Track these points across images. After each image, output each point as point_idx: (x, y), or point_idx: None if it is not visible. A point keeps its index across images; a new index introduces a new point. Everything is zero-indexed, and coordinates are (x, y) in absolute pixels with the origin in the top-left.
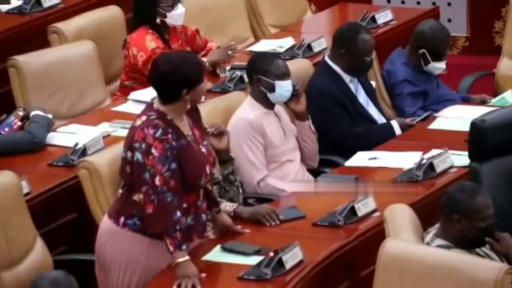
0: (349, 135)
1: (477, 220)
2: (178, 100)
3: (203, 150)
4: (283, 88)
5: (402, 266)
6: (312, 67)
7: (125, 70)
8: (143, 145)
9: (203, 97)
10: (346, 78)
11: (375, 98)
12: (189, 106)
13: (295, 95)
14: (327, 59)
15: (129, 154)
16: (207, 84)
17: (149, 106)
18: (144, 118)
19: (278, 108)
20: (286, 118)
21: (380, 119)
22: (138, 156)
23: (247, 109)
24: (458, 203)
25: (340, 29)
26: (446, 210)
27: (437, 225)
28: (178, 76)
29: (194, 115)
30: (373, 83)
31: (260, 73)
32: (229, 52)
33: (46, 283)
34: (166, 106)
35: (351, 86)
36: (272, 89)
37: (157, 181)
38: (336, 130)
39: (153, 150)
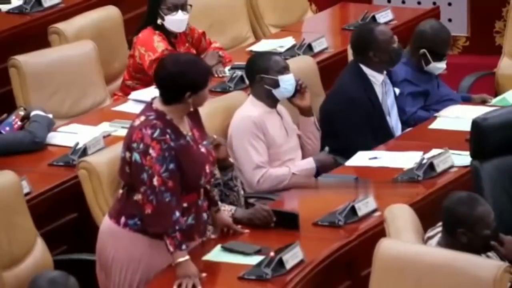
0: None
1: (482, 229)
2: (180, 102)
3: (203, 149)
4: (287, 82)
5: (399, 266)
6: (315, 65)
7: (129, 70)
8: (141, 146)
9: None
10: (378, 80)
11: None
12: (191, 109)
13: (298, 90)
14: (358, 63)
15: (127, 154)
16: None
17: (148, 106)
18: (142, 118)
19: (280, 107)
20: (288, 117)
21: (397, 126)
22: (136, 156)
23: (250, 107)
24: (459, 218)
25: (354, 38)
26: (449, 227)
27: (438, 228)
28: (185, 78)
29: (193, 115)
30: (396, 90)
31: (261, 72)
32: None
33: (44, 283)
34: (167, 107)
35: (381, 91)
36: (276, 85)
37: (155, 181)
38: (355, 142)
39: (150, 151)
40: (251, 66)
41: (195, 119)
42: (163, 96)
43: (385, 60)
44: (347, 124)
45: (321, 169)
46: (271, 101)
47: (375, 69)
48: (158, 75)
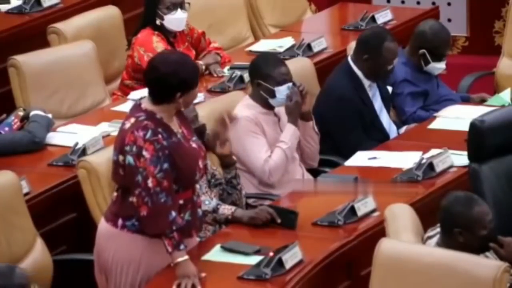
0: (358, 146)
1: (478, 230)
2: (171, 102)
3: (194, 145)
4: (283, 92)
5: (399, 266)
6: (312, 66)
7: (128, 70)
8: (134, 148)
9: (196, 99)
10: (366, 83)
11: (389, 104)
12: (183, 109)
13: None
14: (349, 60)
15: (120, 157)
16: (208, 84)
17: (137, 106)
18: (133, 120)
19: (279, 109)
20: (286, 119)
21: (390, 127)
22: (130, 159)
23: (243, 109)
24: (456, 217)
25: (365, 34)
26: (445, 226)
27: (438, 228)
28: (176, 78)
29: (178, 113)
30: (389, 88)
31: (261, 78)
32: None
33: None
34: (156, 106)
35: (370, 92)
36: (272, 94)
37: (150, 183)
38: (346, 139)
39: (144, 152)
40: (253, 68)
41: (181, 116)
42: (153, 96)
43: (373, 72)
44: (338, 122)
45: (292, 115)
46: (268, 105)
47: (362, 72)
48: (148, 76)
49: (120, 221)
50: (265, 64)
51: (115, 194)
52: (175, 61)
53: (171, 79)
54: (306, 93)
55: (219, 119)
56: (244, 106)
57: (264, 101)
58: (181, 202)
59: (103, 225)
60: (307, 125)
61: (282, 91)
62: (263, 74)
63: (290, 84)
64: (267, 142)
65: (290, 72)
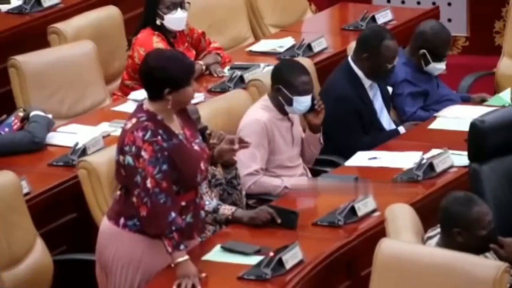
0: (357, 146)
1: (477, 230)
2: (161, 99)
3: (196, 147)
4: (301, 103)
5: (399, 266)
6: (313, 66)
7: (128, 70)
8: (133, 148)
9: (193, 100)
10: (366, 83)
11: (389, 105)
12: (169, 107)
13: (315, 109)
14: (350, 60)
15: (121, 158)
16: (208, 84)
17: (139, 107)
18: (134, 120)
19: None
20: (298, 124)
21: (390, 127)
22: (129, 159)
23: (261, 110)
24: (455, 217)
25: (365, 33)
26: (444, 226)
27: (439, 228)
28: (164, 73)
29: (182, 114)
30: (389, 89)
31: (282, 84)
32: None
33: None
34: (154, 105)
35: (370, 91)
36: (290, 102)
37: (149, 183)
38: (346, 139)
39: (143, 153)
40: (276, 72)
41: (185, 117)
42: (146, 92)
43: (372, 71)
44: (338, 122)
45: None
46: (283, 111)
47: (363, 72)
48: (140, 69)
49: (122, 220)
50: (288, 71)
51: (118, 193)
52: (167, 57)
53: (158, 73)
54: (323, 109)
55: (229, 139)
56: (262, 107)
57: (281, 106)
58: (183, 203)
59: (105, 224)
60: (314, 137)
61: (300, 101)
62: (285, 80)
63: (309, 97)
64: (266, 155)
65: (312, 82)
